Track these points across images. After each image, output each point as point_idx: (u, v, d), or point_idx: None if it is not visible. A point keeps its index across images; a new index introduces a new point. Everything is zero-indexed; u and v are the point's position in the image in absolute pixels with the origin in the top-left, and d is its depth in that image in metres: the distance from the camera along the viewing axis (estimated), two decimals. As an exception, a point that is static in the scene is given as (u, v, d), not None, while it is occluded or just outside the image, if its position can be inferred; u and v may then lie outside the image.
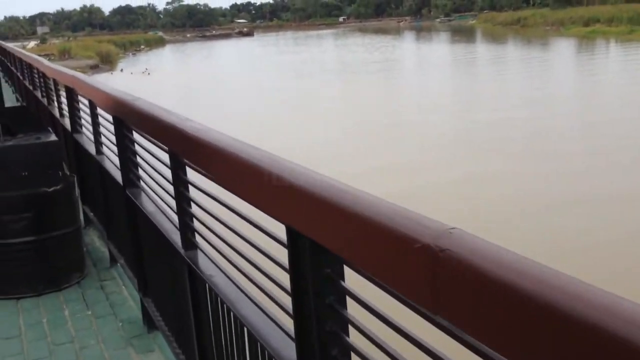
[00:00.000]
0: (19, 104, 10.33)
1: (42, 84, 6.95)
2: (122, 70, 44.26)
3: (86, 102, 4.23)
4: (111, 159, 3.75)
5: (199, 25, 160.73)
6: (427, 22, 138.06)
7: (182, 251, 2.30)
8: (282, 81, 32.99)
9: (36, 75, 7.70)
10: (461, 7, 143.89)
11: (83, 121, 4.48)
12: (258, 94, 27.21)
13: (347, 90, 28.24)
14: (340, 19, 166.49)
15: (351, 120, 19.30)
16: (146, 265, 3.15)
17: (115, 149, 3.74)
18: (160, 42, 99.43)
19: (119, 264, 4.02)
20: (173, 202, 2.61)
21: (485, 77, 30.85)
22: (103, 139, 3.91)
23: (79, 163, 4.67)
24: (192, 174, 2.24)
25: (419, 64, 42.73)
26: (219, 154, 1.72)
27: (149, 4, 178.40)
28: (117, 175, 3.42)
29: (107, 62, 51.55)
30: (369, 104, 22.90)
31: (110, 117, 3.60)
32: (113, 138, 3.65)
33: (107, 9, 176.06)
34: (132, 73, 40.50)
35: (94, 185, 4.24)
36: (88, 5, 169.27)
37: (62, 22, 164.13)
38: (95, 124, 3.96)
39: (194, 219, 2.25)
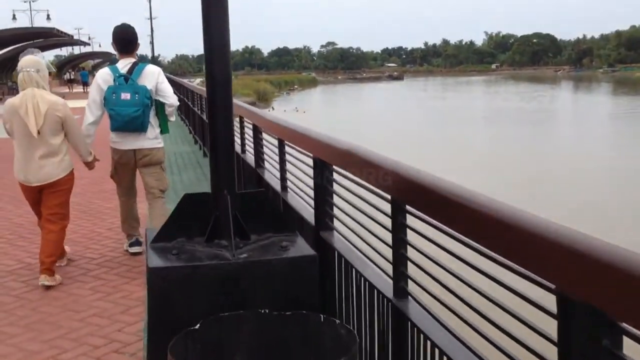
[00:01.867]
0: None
1: (251, 141, 4.86)
2: (273, 108, 45.19)
3: (352, 186, 2.53)
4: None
5: (350, 67, 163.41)
6: (588, 72, 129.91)
7: None
8: (434, 127, 31.24)
9: (236, 125, 6.08)
10: (627, 58, 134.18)
11: (341, 215, 2.68)
12: (408, 139, 25.42)
13: (503, 140, 25.75)
14: (493, 66, 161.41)
15: (510, 172, 17.19)
16: None
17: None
18: (312, 83, 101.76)
19: None
20: None
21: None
22: (382, 247, 2.14)
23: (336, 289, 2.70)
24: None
25: (582, 116, 39.05)
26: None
27: (304, 47, 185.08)
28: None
29: (263, 100, 53.14)
30: (529, 157, 20.45)
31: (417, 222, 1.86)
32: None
33: (266, 50, 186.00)
34: (285, 111, 41.03)
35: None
36: (250, 46, 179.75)
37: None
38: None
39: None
